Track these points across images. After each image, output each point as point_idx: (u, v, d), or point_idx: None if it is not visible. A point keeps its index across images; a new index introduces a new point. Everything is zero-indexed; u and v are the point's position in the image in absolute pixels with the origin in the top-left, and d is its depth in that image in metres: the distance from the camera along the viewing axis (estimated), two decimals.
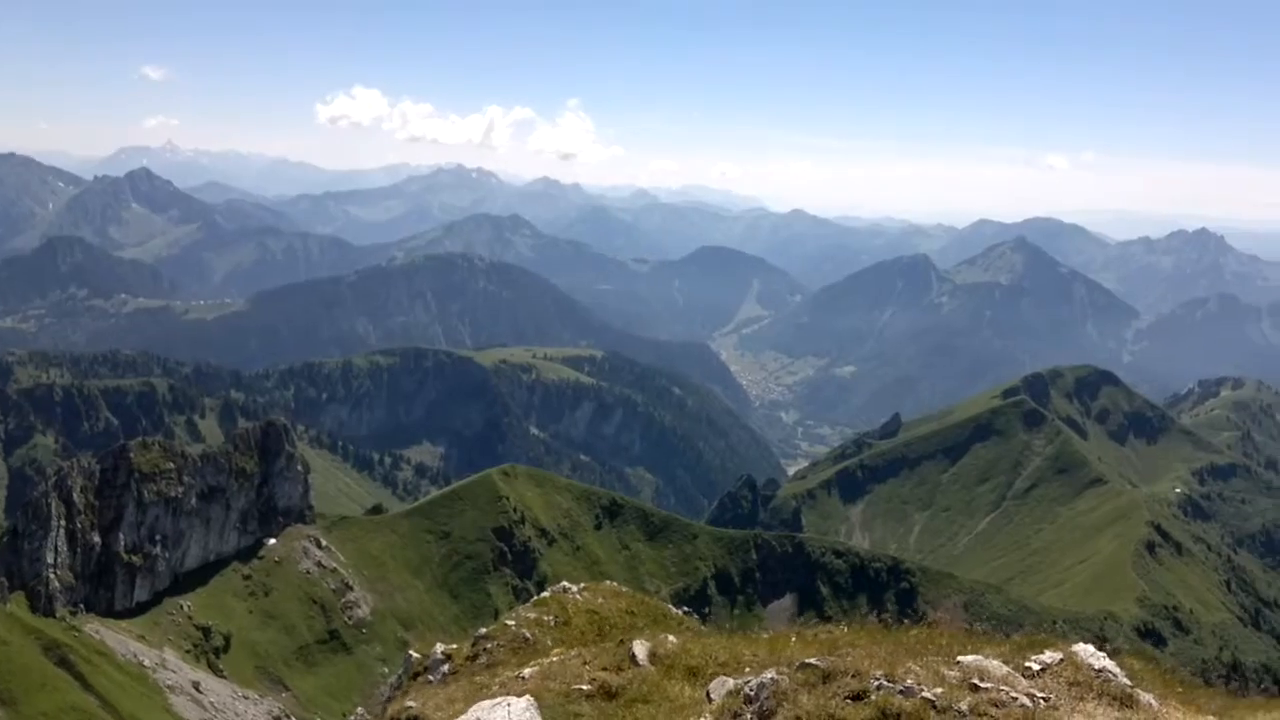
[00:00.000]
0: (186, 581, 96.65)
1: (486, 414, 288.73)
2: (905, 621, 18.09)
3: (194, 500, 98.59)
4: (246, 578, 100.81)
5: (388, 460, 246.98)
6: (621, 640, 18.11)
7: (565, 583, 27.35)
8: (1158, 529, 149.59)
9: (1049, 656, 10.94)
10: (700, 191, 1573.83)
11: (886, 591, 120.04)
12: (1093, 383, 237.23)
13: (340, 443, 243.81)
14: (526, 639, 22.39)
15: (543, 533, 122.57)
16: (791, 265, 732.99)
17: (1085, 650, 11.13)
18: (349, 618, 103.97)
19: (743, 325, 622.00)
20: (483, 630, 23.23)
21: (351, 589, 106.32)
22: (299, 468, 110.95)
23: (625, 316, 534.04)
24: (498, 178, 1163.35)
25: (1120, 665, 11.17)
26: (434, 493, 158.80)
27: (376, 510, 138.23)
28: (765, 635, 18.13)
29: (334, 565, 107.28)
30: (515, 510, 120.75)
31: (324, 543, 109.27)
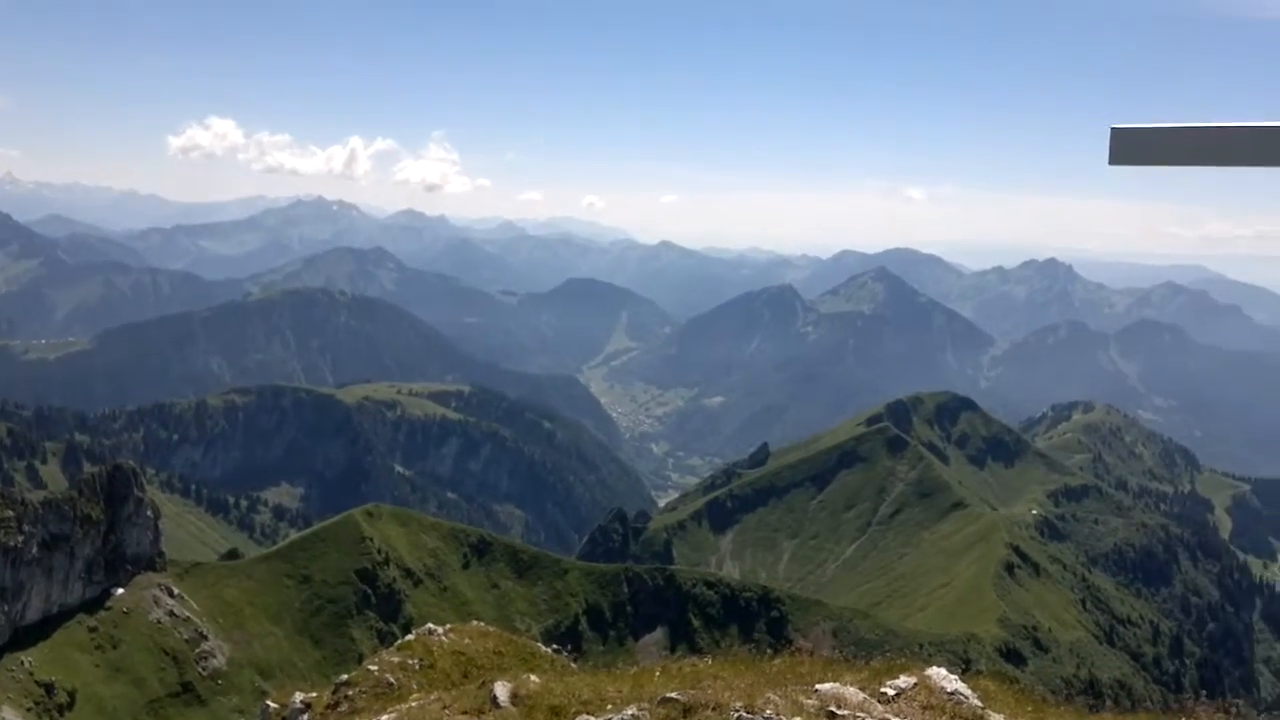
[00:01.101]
0: (27, 636, 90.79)
1: (349, 452, 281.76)
2: (769, 651, 17.67)
3: (35, 549, 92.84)
4: (93, 630, 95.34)
5: (244, 503, 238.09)
6: (483, 682, 17.68)
7: (431, 624, 26.54)
8: (1016, 550, 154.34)
9: (904, 681, 11.09)
10: (568, 223, 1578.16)
11: (757, 621, 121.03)
12: (952, 409, 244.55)
13: (193, 486, 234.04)
14: (389, 684, 21.63)
15: (408, 573, 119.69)
16: (660, 296, 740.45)
17: (938, 673, 11.33)
18: (203, 669, 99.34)
19: (612, 357, 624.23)
20: (344, 677, 22.31)
21: (206, 638, 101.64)
22: (148, 513, 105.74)
23: (493, 350, 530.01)
24: (360, 210, 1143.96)
25: (974, 687, 11.42)
26: (294, 535, 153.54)
27: (232, 555, 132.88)
28: (631, 670, 17.93)
29: (187, 614, 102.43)
30: (380, 551, 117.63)
31: (176, 591, 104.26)
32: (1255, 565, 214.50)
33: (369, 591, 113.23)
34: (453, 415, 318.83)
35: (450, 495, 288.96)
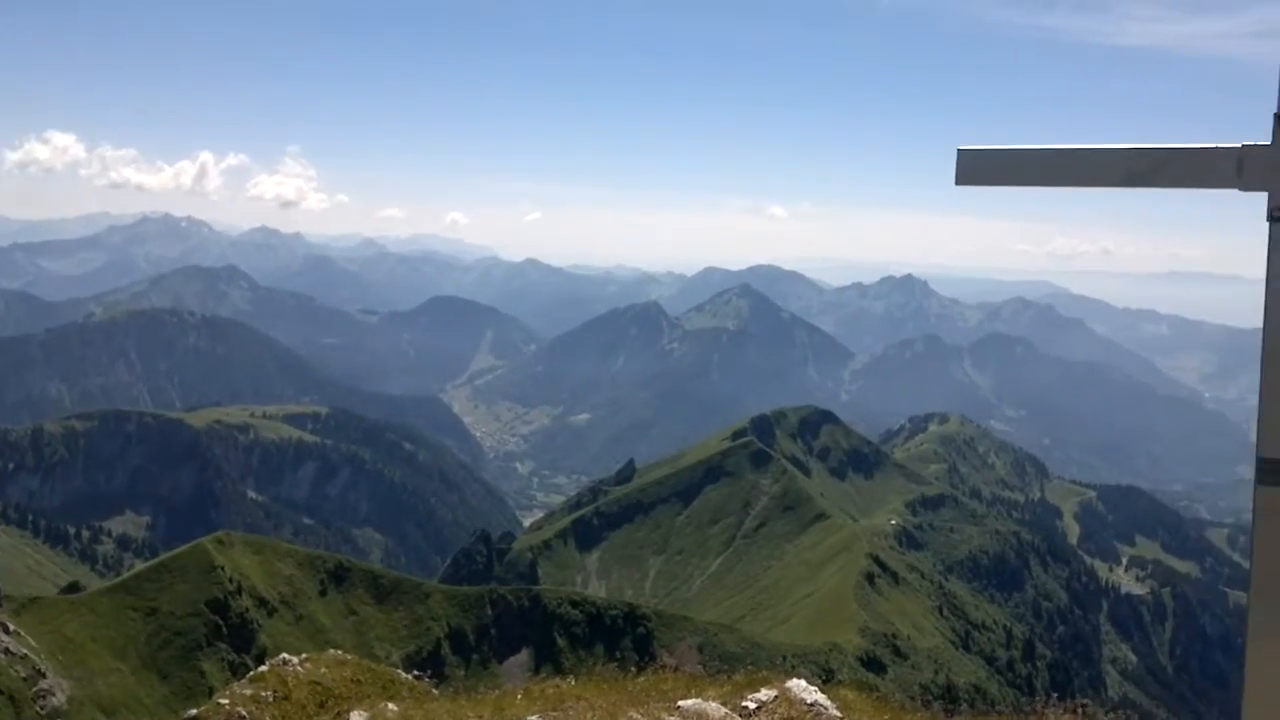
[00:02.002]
0: None
1: (198, 479, 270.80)
2: (633, 669, 18.00)
3: None
4: None
5: (86, 533, 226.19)
6: (339, 712, 17.12)
7: (286, 654, 25.57)
8: (876, 560, 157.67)
9: (764, 694, 11.07)
10: (431, 240, 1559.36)
11: (623, 638, 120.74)
12: (814, 422, 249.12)
13: (30, 516, 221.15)
14: (241, 717, 20.74)
15: (262, 603, 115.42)
16: (525, 314, 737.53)
17: (798, 685, 11.36)
18: (41, 708, 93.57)
19: (476, 376, 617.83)
20: (193, 712, 21.35)
21: (44, 676, 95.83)
22: None
23: (352, 371, 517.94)
24: (210, 227, 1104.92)
25: (834, 697, 11.47)
26: (139, 566, 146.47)
27: (73, 588, 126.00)
28: (493, 695, 17.57)
29: (24, 651, 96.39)
30: (231, 580, 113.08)
31: (12, 627, 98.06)
32: (1101, 569, 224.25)
33: (220, 622, 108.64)
34: (309, 438, 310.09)
35: (307, 521, 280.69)
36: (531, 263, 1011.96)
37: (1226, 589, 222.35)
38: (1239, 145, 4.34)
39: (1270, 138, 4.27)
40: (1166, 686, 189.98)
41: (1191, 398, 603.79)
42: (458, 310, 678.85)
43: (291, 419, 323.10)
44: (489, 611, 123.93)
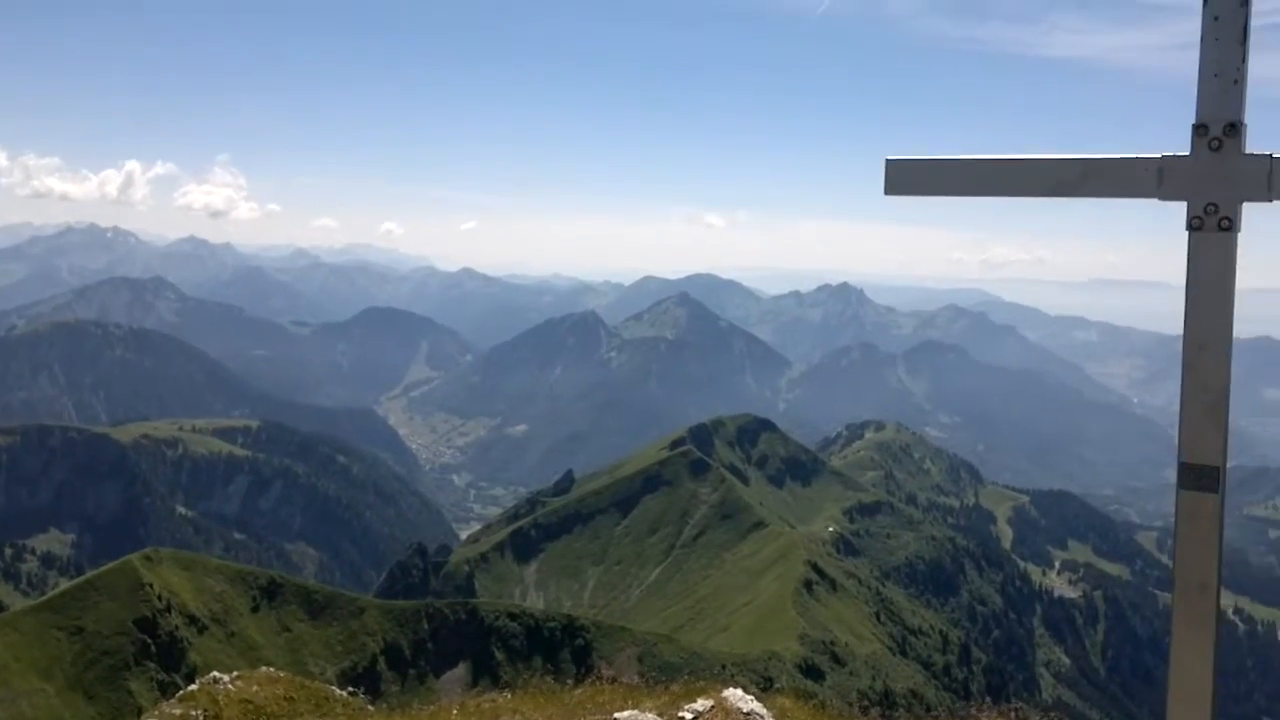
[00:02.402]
0: None
1: (125, 495, 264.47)
2: (570, 682, 18.13)
3: None
4: None
5: (9, 551, 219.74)
6: None
7: (216, 673, 25.00)
8: (814, 567, 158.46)
9: (701, 704, 10.97)
10: (365, 251, 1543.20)
11: (562, 651, 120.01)
12: (752, 430, 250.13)
13: None
14: None
15: (192, 620, 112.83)
16: (461, 325, 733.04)
17: (734, 695, 11.29)
18: None
19: (412, 387, 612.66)
20: None
21: None
22: None
23: (284, 383, 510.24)
24: (137, 237, 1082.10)
25: (771, 705, 11.40)
26: (65, 584, 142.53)
27: None
28: (428, 709, 17.36)
29: None
30: (160, 598, 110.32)
31: None
32: (1035, 573, 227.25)
33: (148, 641, 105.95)
34: (240, 452, 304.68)
35: (238, 536, 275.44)
36: (468, 272, 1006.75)
37: (1156, 591, 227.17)
38: (1159, 156, 4.50)
39: (1189, 148, 4.42)
40: (1099, 688, 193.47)
41: (1121, 403, 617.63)
42: (392, 321, 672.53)
43: (221, 433, 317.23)
44: (425, 626, 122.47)
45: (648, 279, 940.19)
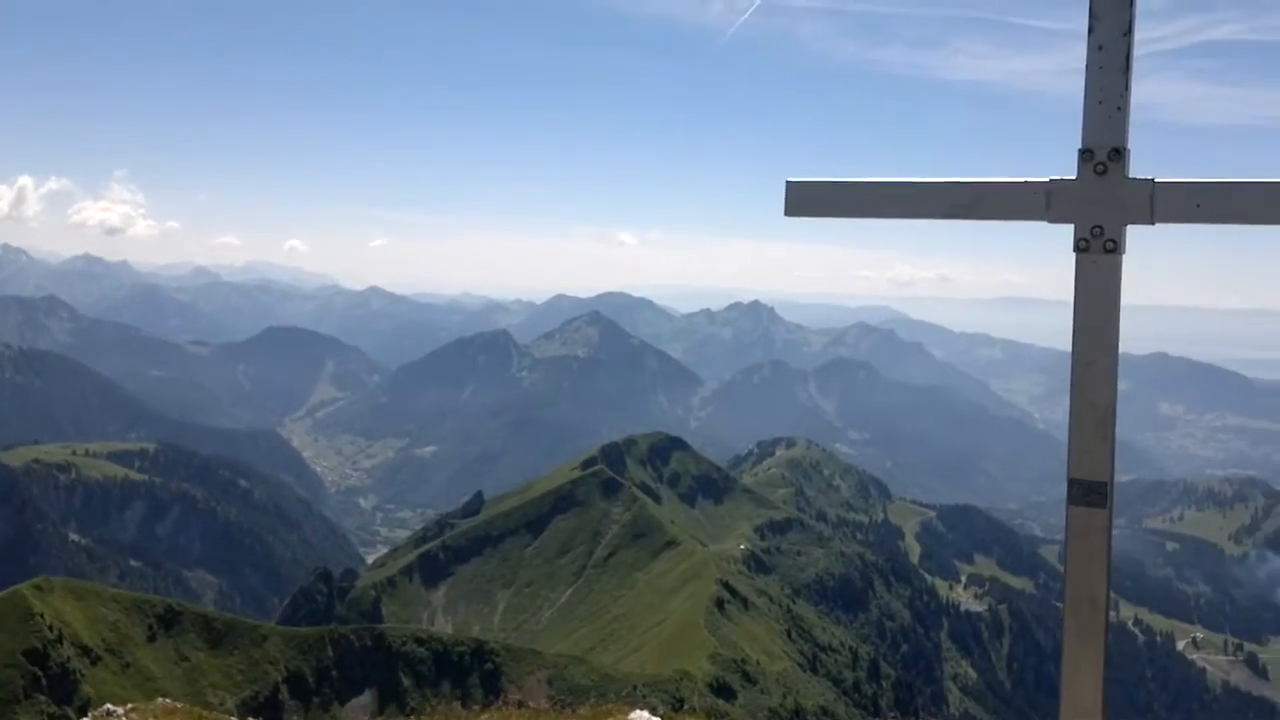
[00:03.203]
0: None
1: (14, 522, 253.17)
2: (476, 707, 17.70)
3: None
4: None
5: None
6: None
7: (110, 705, 23.52)
8: (726, 585, 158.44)
9: None
10: (268, 269, 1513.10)
11: (471, 675, 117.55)
12: (664, 449, 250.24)
13: None
14: None
15: (85, 651, 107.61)
16: (368, 344, 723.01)
17: (640, 716, 10.93)
18: None
19: (316, 408, 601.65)
20: None
21: None
22: None
23: (183, 405, 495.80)
24: (29, 255, 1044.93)
25: None
26: None
27: None
28: None
29: None
30: (51, 628, 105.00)
31: None
32: (941, 587, 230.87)
33: (39, 673, 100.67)
34: (136, 476, 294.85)
35: (134, 563, 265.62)
36: (375, 291, 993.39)
37: (1059, 604, 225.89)
38: (1048, 180, 4.68)
39: (1076, 173, 4.58)
40: (1005, 700, 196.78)
41: (1023, 418, 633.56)
42: (296, 340, 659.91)
43: (117, 456, 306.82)
44: (329, 653, 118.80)
45: (559, 297, 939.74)
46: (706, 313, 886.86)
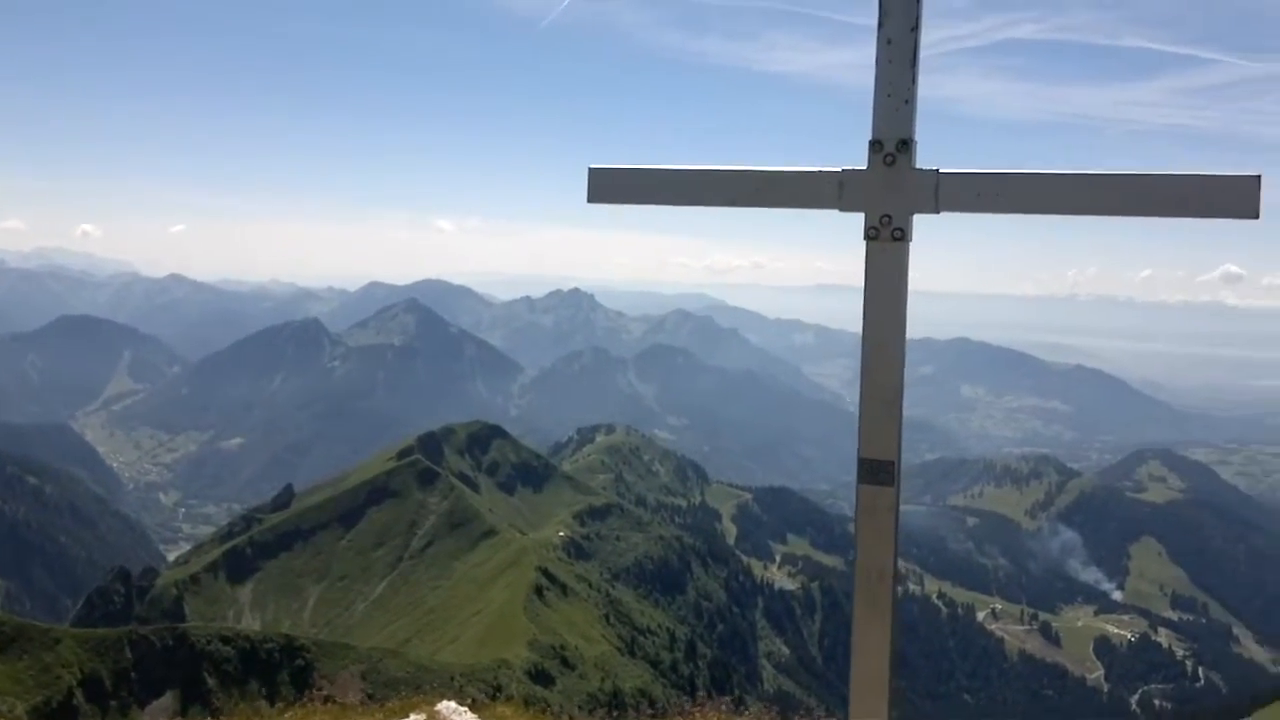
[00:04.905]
0: None
1: None
2: (281, 704, 17.28)
3: None
4: None
5: None
6: None
7: None
8: (545, 573, 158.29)
9: (412, 719, 10.04)
10: (58, 254, 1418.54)
11: (280, 672, 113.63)
12: (484, 437, 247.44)
13: None
14: None
15: None
16: (169, 334, 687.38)
17: (448, 707, 10.62)
18: None
19: (112, 401, 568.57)
20: None
21: None
22: None
23: None
24: None
25: (490, 715, 10.64)
26: None
27: None
28: None
29: None
30: None
31: None
32: (757, 567, 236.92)
33: None
34: None
35: None
36: (176, 278, 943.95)
37: None
38: (840, 170, 4.79)
39: (866, 163, 4.70)
40: (816, 676, 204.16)
41: (834, 401, 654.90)
42: (89, 330, 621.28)
43: None
44: (128, 654, 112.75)
45: (374, 285, 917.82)
46: (527, 300, 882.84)
